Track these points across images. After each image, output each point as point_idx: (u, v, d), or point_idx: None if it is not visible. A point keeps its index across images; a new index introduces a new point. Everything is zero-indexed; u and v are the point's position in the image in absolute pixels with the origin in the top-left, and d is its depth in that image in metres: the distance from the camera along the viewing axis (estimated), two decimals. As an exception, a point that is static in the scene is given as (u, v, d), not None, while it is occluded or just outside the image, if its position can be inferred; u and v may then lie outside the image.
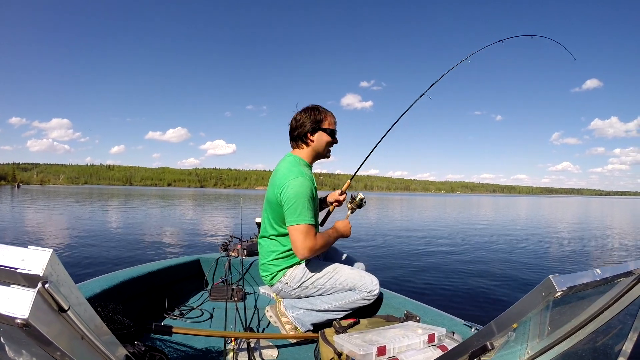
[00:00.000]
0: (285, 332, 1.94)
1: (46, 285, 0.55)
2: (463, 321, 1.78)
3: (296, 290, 1.95)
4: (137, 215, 17.41)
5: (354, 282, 1.91)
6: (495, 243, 10.39)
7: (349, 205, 2.20)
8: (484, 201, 73.70)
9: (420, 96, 2.49)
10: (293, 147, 2.01)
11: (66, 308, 0.59)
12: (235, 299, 2.35)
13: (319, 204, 2.24)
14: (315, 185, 1.92)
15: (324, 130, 1.96)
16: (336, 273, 1.93)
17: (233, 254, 2.93)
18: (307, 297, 1.97)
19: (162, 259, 2.71)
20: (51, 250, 0.56)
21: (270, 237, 1.96)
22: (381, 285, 2.00)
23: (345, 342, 1.41)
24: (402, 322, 1.77)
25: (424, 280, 5.83)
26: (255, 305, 2.36)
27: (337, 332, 1.63)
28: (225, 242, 3.09)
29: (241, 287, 2.53)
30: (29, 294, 0.54)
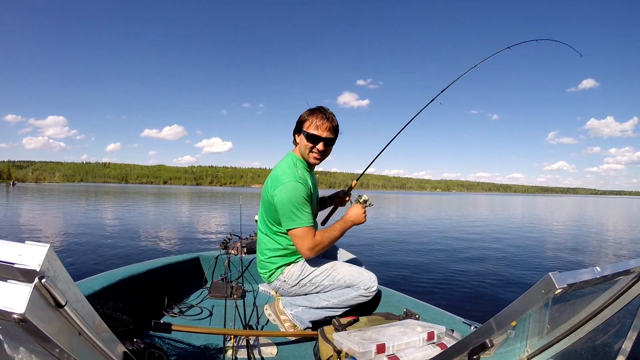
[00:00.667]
0: (284, 330, 1.94)
1: (43, 280, 0.54)
2: (462, 319, 1.78)
3: (294, 287, 1.95)
4: (136, 213, 17.40)
5: (352, 279, 1.90)
6: (493, 241, 10.39)
7: (353, 205, 2.18)
8: (481, 200, 73.74)
9: (431, 101, 2.46)
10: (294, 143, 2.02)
11: (63, 303, 0.59)
12: (235, 296, 2.35)
13: (322, 203, 2.24)
14: (311, 184, 1.90)
15: (303, 132, 1.87)
16: (334, 270, 1.93)
17: (232, 251, 2.93)
18: (306, 294, 1.97)
19: (162, 257, 2.71)
20: (48, 245, 0.56)
21: (267, 235, 1.96)
22: (380, 283, 1.99)
23: (344, 339, 1.41)
24: (401, 319, 1.77)
25: (423, 278, 5.83)
26: (255, 303, 2.36)
27: (337, 329, 1.63)
28: (225, 240, 3.09)
29: (240, 284, 2.53)
30: (25, 289, 0.53)
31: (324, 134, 1.85)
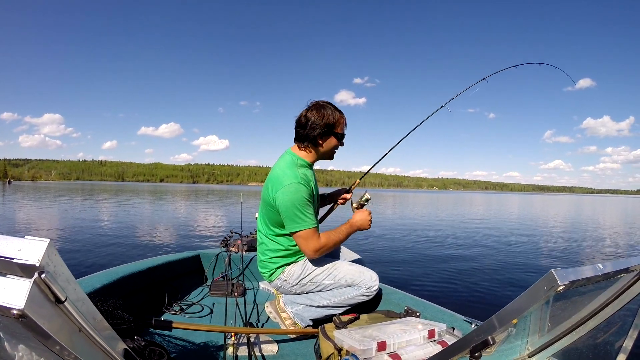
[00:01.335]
0: (285, 328, 1.94)
1: (42, 276, 0.54)
2: (463, 317, 1.78)
3: (295, 286, 1.94)
4: (135, 211, 17.40)
5: (353, 278, 1.90)
6: (492, 240, 10.39)
7: (354, 205, 2.18)
8: (478, 198, 73.81)
9: (439, 108, 2.51)
10: (299, 147, 1.90)
11: (63, 299, 0.59)
12: (236, 294, 2.35)
13: (323, 200, 2.23)
14: (313, 184, 1.88)
15: (336, 134, 1.87)
16: (335, 269, 1.93)
17: (233, 249, 2.93)
18: (307, 293, 1.97)
19: (162, 254, 2.71)
20: (48, 240, 0.55)
21: (267, 236, 1.95)
22: (381, 281, 1.99)
23: (345, 337, 1.41)
24: (402, 317, 1.77)
25: (423, 276, 5.84)
26: (255, 301, 2.36)
27: (337, 327, 1.62)
28: (226, 238, 3.09)
29: (241, 282, 2.53)
30: (24, 284, 0.53)
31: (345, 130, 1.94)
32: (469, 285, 5.34)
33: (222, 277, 2.62)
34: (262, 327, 2.01)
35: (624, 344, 1.12)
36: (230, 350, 1.62)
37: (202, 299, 2.37)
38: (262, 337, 1.83)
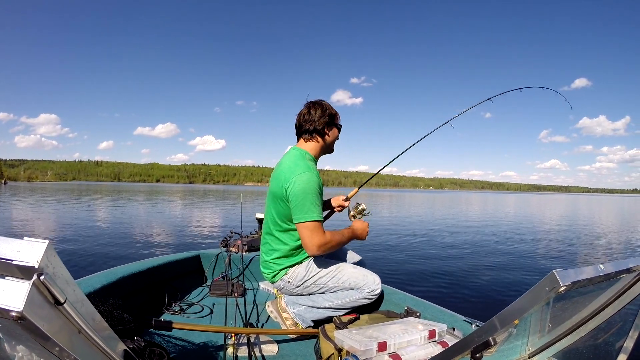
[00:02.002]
0: (285, 328, 1.93)
1: (42, 277, 0.53)
2: (463, 317, 1.77)
3: (298, 288, 1.94)
4: (134, 211, 17.39)
5: (357, 281, 1.89)
6: (491, 240, 10.39)
7: (351, 213, 2.18)
8: (475, 198, 73.94)
9: (443, 124, 2.60)
10: (305, 140, 1.95)
11: (62, 301, 0.58)
12: (236, 294, 2.35)
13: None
14: (321, 180, 1.89)
15: (336, 125, 2.00)
16: (339, 272, 1.92)
17: (233, 249, 2.93)
18: (309, 294, 1.96)
19: (162, 255, 2.70)
20: (47, 241, 0.55)
21: (274, 233, 1.92)
22: (382, 281, 1.99)
23: (345, 337, 1.41)
24: (402, 318, 1.77)
25: (424, 276, 5.84)
26: (255, 301, 2.35)
27: (338, 327, 1.62)
28: (226, 238, 3.09)
29: (241, 282, 2.53)
30: (23, 286, 0.52)
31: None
32: (469, 286, 5.34)
33: (222, 277, 2.61)
34: (262, 327, 2.01)
35: (624, 345, 1.12)
36: (230, 350, 1.62)
37: (202, 299, 2.37)
38: (262, 338, 1.82)
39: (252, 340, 1.74)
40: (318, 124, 1.90)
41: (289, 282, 1.93)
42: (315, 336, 1.73)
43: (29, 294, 0.52)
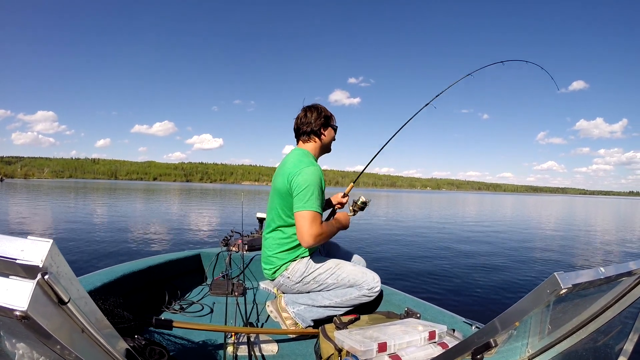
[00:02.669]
0: (285, 328, 1.94)
1: (46, 277, 0.53)
2: (463, 319, 1.78)
3: (298, 284, 1.95)
4: (135, 210, 17.39)
5: (356, 278, 1.91)
6: (490, 241, 10.39)
7: (351, 208, 2.22)
8: (472, 199, 73.92)
9: (425, 105, 2.60)
10: (304, 142, 2.04)
11: (66, 300, 0.58)
12: (236, 293, 2.36)
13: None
14: (324, 177, 1.93)
15: (332, 126, 2.08)
16: (338, 269, 1.93)
17: (234, 248, 2.93)
18: (308, 292, 1.97)
19: (163, 253, 2.71)
20: (51, 240, 0.55)
21: (278, 228, 1.95)
22: (382, 281, 1.99)
23: (345, 338, 1.41)
24: (402, 318, 1.77)
25: (424, 277, 5.84)
26: (255, 300, 2.36)
27: (338, 327, 1.63)
28: (226, 237, 3.09)
29: (242, 282, 2.53)
30: (28, 285, 0.52)
31: None
32: (469, 287, 5.34)
33: (223, 276, 2.62)
34: (262, 326, 2.01)
35: (624, 347, 1.12)
36: (230, 349, 1.62)
37: (202, 298, 2.37)
38: (262, 337, 1.83)
39: (252, 339, 1.74)
40: (314, 125, 2.00)
41: (288, 277, 1.94)
42: (315, 336, 1.73)
43: (33, 294, 0.52)
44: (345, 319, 1.72)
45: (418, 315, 1.82)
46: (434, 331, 1.44)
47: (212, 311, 2.17)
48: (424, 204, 37.90)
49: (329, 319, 1.80)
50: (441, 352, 1.13)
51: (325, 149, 2.11)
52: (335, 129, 2.11)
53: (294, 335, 1.87)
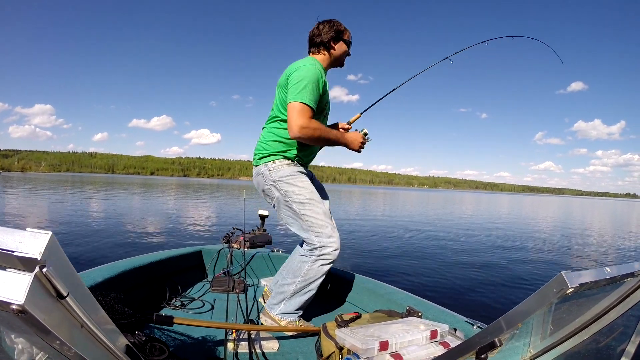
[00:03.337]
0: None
1: (44, 270, 0.52)
2: (465, 318, 1.76)
3: (272, 184, 1.93)
4: (135, 205, 17.41)
5: (317, 222, 1.86)
6: (491, 241, 10.38)
7: None
8: (469, 198, 73.89)
9: (443, 59, 2.60)
10: (314, 53, 2.06)
11: (65, 294, 0.57)
12: (237, 290, 2.35)
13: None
14: (326, 87, 1.94)
15: (345, 40, 2.06)
16: (313, 200, 1.90)
17: (235, 245, 2.92)
18: (274, 206, 1.98)
19: (164, 249, 2.71)
20: (50, 232, 0.54)
21: (276, 120, 1.97)
22: (384, 280, 1.98)
23: (347, 336, 1.40)
24: (404, 317, 1.76)
25: (426, 276, 5.83)
26: (256, 298, 2.35)
27: (339, 325, 1.62)
28: (228, 234, 3.09)
29: (243, 279, 2.53)
30: (25, 278, 0.51)
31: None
32: (471, 286, 5.33)
33: (224, 273, 2.61)
34: (262, 323, 2.01)
35: (627, 349, 1.11)
36: (230, 346, 1.62)
37: (203, 294, 2.37)
38: (263, 334, 1.82)
39: (252, 336, 1.74)
40: (325, 37, 2.01)
41: (270, 170, 1.93)
42: (316, 334, 1.73)
43: (30, 287, 0.51)
44: (347, 317, 1.71)
45: (419, 314, 1.81)
46: (436, 330, 1.43)
47: (212, 308, 2.17)
48: (422, 202, 37.85)
49: (329, 317, 1.79)
50: (444, 352, 1.12)
51: (335, 62, 2.10)
52: (348, 45, 2.09)
53: (295, 333, 1.87)
